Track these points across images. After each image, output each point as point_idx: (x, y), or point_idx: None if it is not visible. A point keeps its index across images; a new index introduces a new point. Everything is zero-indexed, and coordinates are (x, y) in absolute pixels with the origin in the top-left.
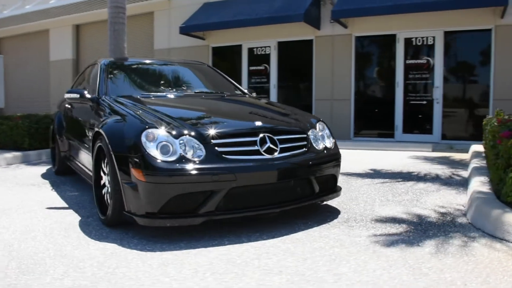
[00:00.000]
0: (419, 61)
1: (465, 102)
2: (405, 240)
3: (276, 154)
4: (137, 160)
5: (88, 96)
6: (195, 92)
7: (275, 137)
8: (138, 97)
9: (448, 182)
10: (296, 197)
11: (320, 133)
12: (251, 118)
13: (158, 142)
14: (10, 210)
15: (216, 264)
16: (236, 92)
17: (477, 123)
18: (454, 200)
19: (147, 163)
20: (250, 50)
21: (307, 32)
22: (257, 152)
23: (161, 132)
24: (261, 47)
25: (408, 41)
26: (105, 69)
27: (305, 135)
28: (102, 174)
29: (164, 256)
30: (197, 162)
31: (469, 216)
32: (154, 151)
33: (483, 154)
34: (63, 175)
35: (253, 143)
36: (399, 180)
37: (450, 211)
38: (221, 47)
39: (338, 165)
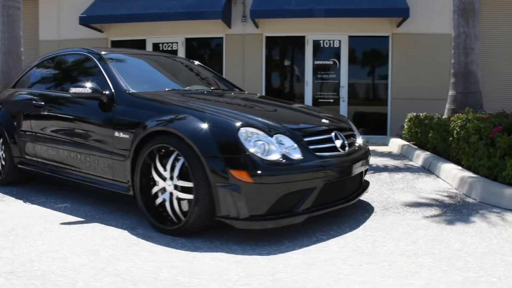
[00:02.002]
0: (326, 62)
1: (368, 101)
2: (457, 219)
3: (347, 150)
4: (239, 160)
5: (106, 92)
6: (214, 89)
7: (342, 134)
8: (172, 92)
9: (412, 171)
10: (353, 191)
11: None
12: (314, 116)
13: (255, 141)
14: (17, 230)
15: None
16: (235, 89)
17: (379, 119)
18: (440, 185)
19: (253, 163)
20: (155, 46)
21: (218, 30)
22: (333, 149)
23: (257, 130)
24: (167, 43)
25: (316, 43)
26: (107, 61)
27: (354, 132)
28: (159, 179)
29: (294, 257)
30: (298, 160)
31: (475, 196)
32: (255, 150)
33: (412, 146)
34: (12, 185)
35: (330, 140)
36: (372, 172)
37: (451, 194)
38: (121, 41)
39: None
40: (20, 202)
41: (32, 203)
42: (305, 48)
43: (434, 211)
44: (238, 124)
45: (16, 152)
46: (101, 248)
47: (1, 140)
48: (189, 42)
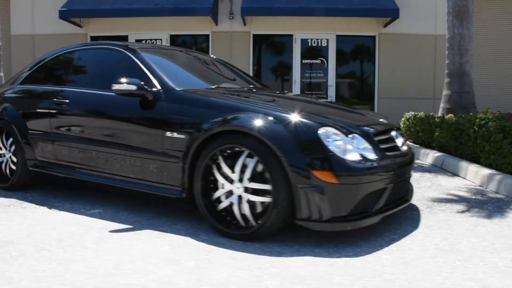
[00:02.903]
0: (314, 61)
1: (355, 99)
2: (504, 214)
3: (404, 149)
4: (322, 161)
5: (152, 89)
6: (251, 87)
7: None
8: (219, 90)
9: (426, 169)
10: (406, 191)
11: None
12: (368, 115)
13: (334, 140)
14: (66, 240)
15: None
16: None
17: None
18: (463, 183)
19: (337, 163)
20: (138, 42)
21: (204, 27)
22: (395, 148)
23: (334, 129)
24: (151, 40)
25: (304, 42)
26: (145, 57)
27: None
28: (224, 181)
29: (384, 258)
30: (374, 159)
31: (505, 192)
32: (336, 150)
33: (415, 145)
34: (23, 190)
35: (392, 139)
36: None
37: (480, 191)
38: (102, 37)
39: None
40: (44, 208)
41: (59, 209)
42: (293, 47)
43: (475, 207)
44: (317, 123)
45: (29, 154)
46: (177, 257)
47: (10, 140)
48: (174, 39)
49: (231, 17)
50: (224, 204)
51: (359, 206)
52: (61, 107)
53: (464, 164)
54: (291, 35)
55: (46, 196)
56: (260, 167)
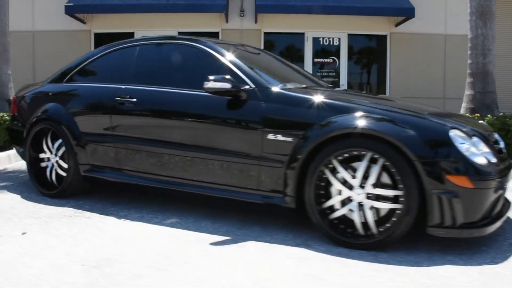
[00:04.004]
0: (326, 59)
1: None
2: None
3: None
4: (457, 165)
5: (246, 87)
6: (327, 86)
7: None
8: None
9: None
10: None
11: None
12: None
13: (461, 143)
14: (172, 258)
15: None
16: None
17: None
18: None
19: (472, 168)
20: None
21: (214, 24)
22: (500, 151)
23: (461, 132)
24: None
25: (316, 40)
26: (230, 53)
27: None
28: (343, 187)
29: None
30: (495, 163)
31: None
32: (467, 154)
33: None
34: (73, 198)
35: (497, 142)
36: None
37: None
38: (107, 34)
39: None
40: (111, 219)
41: (129, 219)
42: (304, 45)
43: None
44: (448, 126)
45: (83, 158)
46: (315, 272)
47: (58, 143)
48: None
49: (242, 15)
50: (342, 211)
51: (487, 211)
52: (126, 107)
53: None
54: (303, 34)
55: (103, 204)
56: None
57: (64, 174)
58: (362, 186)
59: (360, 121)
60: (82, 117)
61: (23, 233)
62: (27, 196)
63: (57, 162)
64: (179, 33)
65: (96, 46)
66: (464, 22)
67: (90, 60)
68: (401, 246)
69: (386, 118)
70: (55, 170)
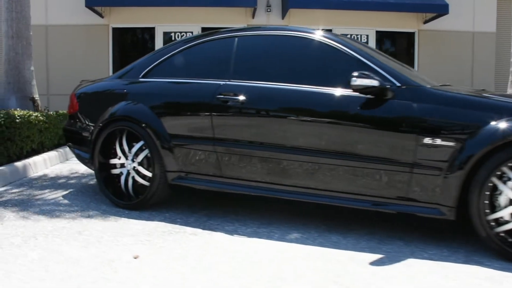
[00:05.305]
0: None
1: None
2: None
3: None
4: None
5: (390, 85)
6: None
7: None
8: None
9: None
10: None
11: None
12: None
13: None
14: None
15: None
16: None
17: None
18: None
19: None
20: (167, 35)
21: (239, 20)
22: None
23: None
24: (180, 32)
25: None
26: (360, 47)
27: None
28: None
29: None
30: None
31: None
32: None
33: None
34: (152, 209)
35: None
36: None
37: None
38: (126, 29)
39: None
40: (222, 235)
41: (246, 235)
42: None
43: None
44: None
45: (171, 164)
46: None
47: (136, 147)
48: (205, 31)
49: (268, 10)
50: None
51: None
52: (231, 106)
53: None
54: (331, 30)
55: (196, 217)
56: None
57: (143, 182)
58: None
59: None
60: (170, 117)
61: (135, 257)
62: (97, 208)
63: (134, 168)
64: (203, 28)
65: (114, 41)
66: (492, 20)
67: (172, 54)
68: None
69: None
70: (132, 177)
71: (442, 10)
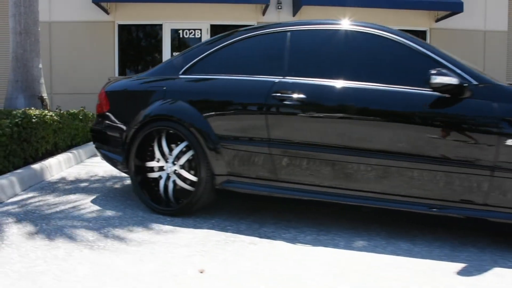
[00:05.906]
0: None
1: None
2: None
3: None
4: None
5: (474, 82)
6: None
7: None
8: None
9: None
10: None
11: None
12: None
13: None
14: None
15: None
16: None
17: None
18: None
19: None
20: (175, 33)
21: (249, 17)
22: None
23: None
24: (189, 30)
25: None
26: (426, 42)
27: None
28: None
29: None
30: None
31: None
32: None
33: None
34: (195, 216)
35: None
36: None
37: None
38: (132, 26)
39: None
40: (283, 244)
41: (309, 244)
42: None
43: None
44: None
45: (219, 168)
46: None
47: (179, 149)
48: (214, 29)
49: (279, 7)
50: None
51: None
52: (290, 105)
53: None
54: None
55: (247, 224)
56: None
57: (186, 186)
58: None
59: None
60: (217, 116)
61: (200, 272)
62: (134, 214)
63: (175, 172)
64: (212, 26)
65: (120, 38)
66: (504, 18)
67: (215, 49)
68: None
69: None
70: (172, 181)
71: (456, 8)
